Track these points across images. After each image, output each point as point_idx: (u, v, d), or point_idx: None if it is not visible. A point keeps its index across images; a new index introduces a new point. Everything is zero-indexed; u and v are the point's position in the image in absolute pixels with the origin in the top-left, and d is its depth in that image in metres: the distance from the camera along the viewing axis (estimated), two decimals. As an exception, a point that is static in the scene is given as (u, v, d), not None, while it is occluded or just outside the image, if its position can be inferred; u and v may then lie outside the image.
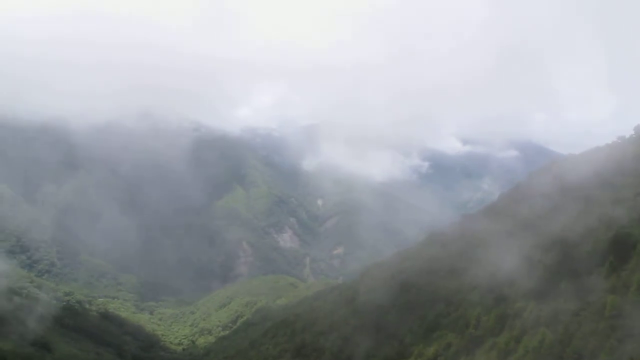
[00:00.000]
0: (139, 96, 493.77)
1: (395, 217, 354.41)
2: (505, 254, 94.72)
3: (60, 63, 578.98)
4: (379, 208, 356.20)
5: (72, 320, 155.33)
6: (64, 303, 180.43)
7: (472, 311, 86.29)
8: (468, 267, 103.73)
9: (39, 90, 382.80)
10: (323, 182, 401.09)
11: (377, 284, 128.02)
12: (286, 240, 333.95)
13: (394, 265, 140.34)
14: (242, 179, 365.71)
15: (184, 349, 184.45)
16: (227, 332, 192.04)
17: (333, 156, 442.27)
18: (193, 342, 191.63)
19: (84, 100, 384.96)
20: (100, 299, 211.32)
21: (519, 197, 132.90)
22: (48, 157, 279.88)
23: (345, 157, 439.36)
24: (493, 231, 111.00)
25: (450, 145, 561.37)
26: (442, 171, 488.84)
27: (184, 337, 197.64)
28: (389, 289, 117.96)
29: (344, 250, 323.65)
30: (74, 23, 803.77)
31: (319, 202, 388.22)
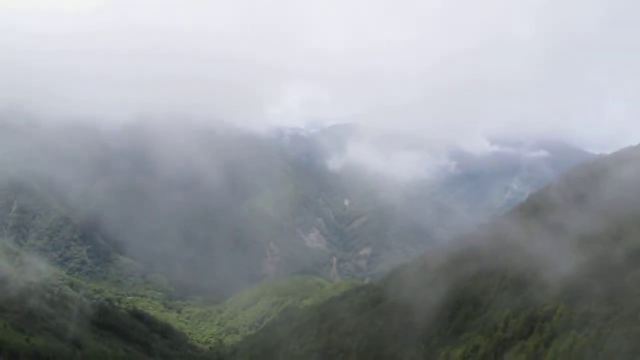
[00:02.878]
0: (168, 94, 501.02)
1: (423, 218, 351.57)
2: (535, 256, 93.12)
3: (90, 59, 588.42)
4: (406, 209, 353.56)
5: (102, 318, 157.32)
6: (94, 301, 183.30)
7: (501, 313, 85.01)
8: (496, 268, 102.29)
9: (68, 87, 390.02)
10: (350, 183, 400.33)
11: (404, 285, 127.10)
12: (313, 240, 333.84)
13: (421, 266, 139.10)
14: (270, 179, 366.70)
15: (211, 348, 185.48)
16: (254, 331, 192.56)
17: (360, 156, 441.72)
18: (220, 341, 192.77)
19: (113, 98, 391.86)
20: (129, 297, 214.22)
21: (549, 197, 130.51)
22: (78, 155, 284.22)
23: (372, 158, 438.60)
24: (522, 232, 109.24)
25: (479, 145, 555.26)
26: (470, 171, 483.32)
27: (211, 335, 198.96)
28: (416, 290, 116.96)
29: (371, 251, 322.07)
30: (106, 17, 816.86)
31: (346, 202, 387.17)
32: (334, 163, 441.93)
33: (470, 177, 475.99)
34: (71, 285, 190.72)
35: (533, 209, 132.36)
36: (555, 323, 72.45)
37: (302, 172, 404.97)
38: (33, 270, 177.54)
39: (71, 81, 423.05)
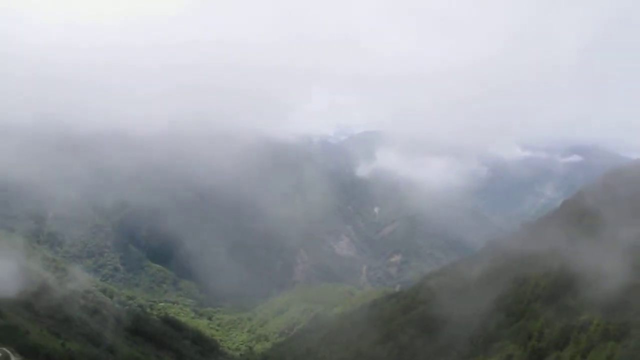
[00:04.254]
0: (198, 105, 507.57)
1: (454, 225, 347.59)
2: (569, 263, 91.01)
3: (117, 69, 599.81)
4: (437, 215, 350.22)
5: (135, 324, 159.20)
6: (127, 307, 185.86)
7: (535, 322, 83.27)
8: (530, 276, 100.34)
9: (102, 99, 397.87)
10: (380, 190, 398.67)
11: (435, 293, 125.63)
12: (343, 248, 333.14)
13: (453, 274, 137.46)
14: (299, 187, 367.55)
15: (241, 355, 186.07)
16: (284, 338, 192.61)
17: (389, 163, 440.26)
18: (250, 348, 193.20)
19: (145, 109, 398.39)
20: (160, 304, 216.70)
21: (584, 204, 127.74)
22: (111, 165, 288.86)
23: (401, 164, 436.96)
24: (556, 240, 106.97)
25: (510, 151, 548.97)
26: (501, 177, 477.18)
27: (241, 342, 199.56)
28: (447, 298, 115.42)
29: (401, 258, 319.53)
30: (134, 30, 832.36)
31: (376, 209, 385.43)
32: (363, 170, 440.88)
33: (502, 183, 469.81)
34: (104, 291, 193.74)
35: (567, 215, 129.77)
36: (592, 333, 70.48)
37: (332, 179, 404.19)
38: (68, 277, 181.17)
39: (105, 93, 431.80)
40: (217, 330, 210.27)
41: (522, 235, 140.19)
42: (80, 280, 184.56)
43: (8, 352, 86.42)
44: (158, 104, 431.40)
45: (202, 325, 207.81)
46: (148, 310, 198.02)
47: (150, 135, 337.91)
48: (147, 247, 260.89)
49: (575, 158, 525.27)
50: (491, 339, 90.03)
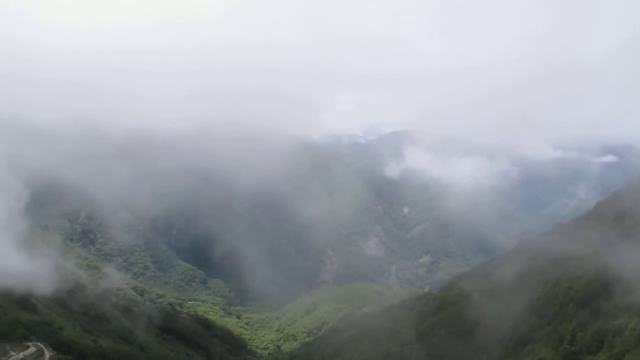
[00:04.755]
0: (223, 102, 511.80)
1: (484, 225, 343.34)
2: (604, 266, 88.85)
3: (146, 72, 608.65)
4: (466, 216, 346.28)
5: (165, 322, 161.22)
6: (157, 305, 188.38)
7: (567, 326, 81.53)
8: (562, 278, 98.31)
9: (133, 101, 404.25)
10: (409, 190, 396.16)
11: (465, 294, 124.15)
12: (371, 248, 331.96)
13: (483, 275, 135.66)
14: (328, 186, 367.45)
15: (269, 354, 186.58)
16: (312, 338, 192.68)
17: (418, 163, 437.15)
18: (278, 347, 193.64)
19: (169, 107, 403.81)
20: (190, 302, 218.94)
21: (618, 205, 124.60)
22: (142, 165, 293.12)
23: (430, 164, 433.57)
24: (590, 241, 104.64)
25: (541, 150, 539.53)
26: (532, 178, 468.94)
27: (269, 342, 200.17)
28: (477, 299, 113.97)
29: (431, 258, 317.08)
30: (159, 33, 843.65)
31: (405, 209, 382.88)
32: (392, 170, 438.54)
33: (533, 183, 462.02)
34: (135, 289, 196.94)
35: (602, 216, 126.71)
36: (627, 338, 68.70)
37: (361, 179, 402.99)
38: (100, 275, 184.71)
39: (136, 96, 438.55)
40: (245, 329, 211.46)
41: (554, 237, 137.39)
42: (112, 278, 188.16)
43: (42, 347, 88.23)
44: (189, 106, 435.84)
45: (231, 323, 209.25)
46: (178, 308, 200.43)
47: (182, 136, 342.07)
48: (178, 246, 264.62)
49: (610, 158, 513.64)
50: (522, 342, 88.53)
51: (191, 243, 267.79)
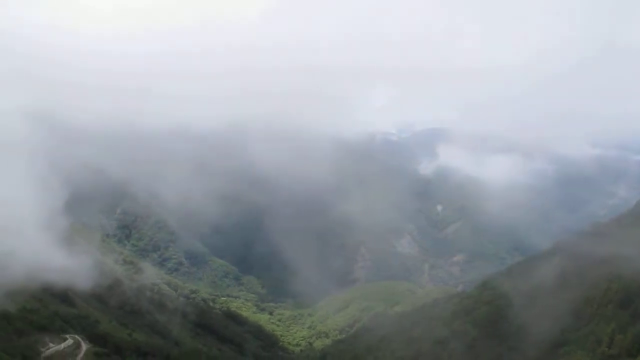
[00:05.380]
0: (259, 102, 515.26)
1: (519, 225, 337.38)
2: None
3: (184, 74, 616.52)
4: (501, 215, 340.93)
5: (198, 317, 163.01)
6: (190, 300, 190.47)
7: (605, 327, 79.38)
8: (600, 279, 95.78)
9: (169, 101, 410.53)
10: (442, 188, 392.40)
11: (499, 294, 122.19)
12: (404, 246, 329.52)
13: (518, 274, 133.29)
14: (361, 184, 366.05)
15: (301, 351, 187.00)
16: (344, 336, 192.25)
17: (452, 160, 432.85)
18: (310, 344, 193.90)
19: (207, 107, 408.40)
20: (223, 298, 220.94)
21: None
22: (177, 161, 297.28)
23: (464, 162, 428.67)
24: (629, 241, 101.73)
25: (579, 148, 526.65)
26: (569, 176, 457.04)
27: (301, 338, 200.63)
28: (512, 299, 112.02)
29: (465, 257, 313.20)
30: (198, 34, 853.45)
31: (439, 208, 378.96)
32: (426, 167, 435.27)
33: (570, 182, 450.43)
34: (169, 284, 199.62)
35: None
36: (669, 340, 66.58)
37: (393, 176, 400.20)
38: (136, 271, 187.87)
39: (172, 97, 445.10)
40: (277, 325, 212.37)
41: (592, 237, 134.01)
42: (147, 273, 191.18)
43: (79, 339, 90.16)
44: (227, 106, 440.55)
45: (263, 320, 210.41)
46: (211, 304, 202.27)
47: (219, 135, 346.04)
48: (211, 242, 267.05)
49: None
50: (558, 344, 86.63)
51: (225, 239, 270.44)
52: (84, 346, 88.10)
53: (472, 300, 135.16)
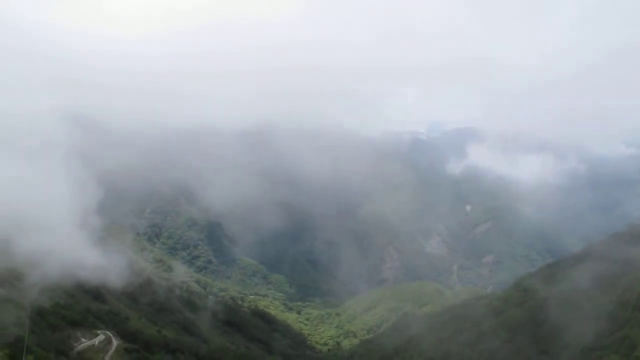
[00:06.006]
0: (287, 101, 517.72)
1: (550, 225, 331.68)
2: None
3: (216, 73, 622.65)
4: (532, 215, 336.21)
5: (226, 315, 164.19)
6: (219, 298, 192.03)
7: (640, 332, 77.45)
8: (635, 282, 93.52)
9: (196, 100, 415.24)
10: (472, 188, 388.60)
11: (529, 296, 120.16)
12: (433, 246, 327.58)
13: (549, 276, 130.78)
14: (389, 184, 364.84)
15: (329, 350, 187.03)
16: (372, 336, 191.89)
17: (482, 160, 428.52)
18: (338, 343, 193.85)
19: (235, 107, 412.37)
20: (251, 297, 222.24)
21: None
22: (204, 160, 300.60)
23: (494, 161, 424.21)
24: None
25: (612, 147, 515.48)
26: (602, 176, 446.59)
27: (329, 338, 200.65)
28: (542, 302, 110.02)
29: (494, 258, 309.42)
30: (221, 34, 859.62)
31: (468, 208, 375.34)
32: (454, 167, 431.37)
33: (603, 182, 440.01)
34: (198, 282, 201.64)
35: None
36: None
37: (422, 176, 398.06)
38: (165, 268, 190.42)
39: (202, 98, 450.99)
40: (305, 324, 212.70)
41: (626, 238, 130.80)
42: (176, 271, 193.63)
43: (110, 335, 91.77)
44: (254, 105, 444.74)
45: (291, 319, 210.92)
46: (239, 302, 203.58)
47: (246, 134, 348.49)
48: (239, 240, 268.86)
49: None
50: (590, 348, 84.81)
51: (253, 238, 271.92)
52: (115, 342, 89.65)
53: (502, 302, 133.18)
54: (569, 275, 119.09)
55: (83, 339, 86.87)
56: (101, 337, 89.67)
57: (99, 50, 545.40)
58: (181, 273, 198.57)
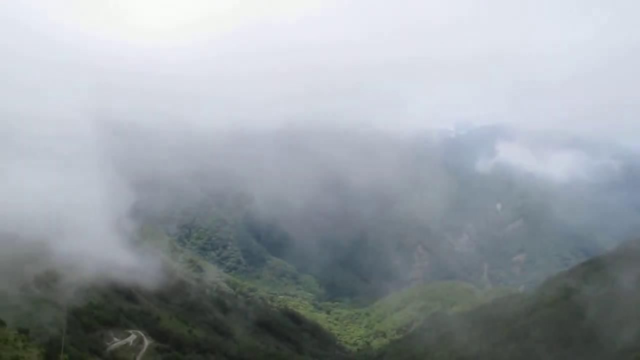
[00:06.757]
0: (314, 101, 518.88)
1: (582, 223, 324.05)
2: None
3: (243, 75, 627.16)
4: (564, 213, 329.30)
5: (256, 315, 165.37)
6: (248, 298, 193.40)
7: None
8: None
9: (223, 102, 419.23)
10: (502, 186, 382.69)
11: (562, 296, 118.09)
12: (463, 245, 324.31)
13: (583, 275, 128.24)
14: (417, 182, 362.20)
15: (358, 350, 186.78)
16: (402, 335, 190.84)
17: (512, 157, 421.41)
18: (368, 343, 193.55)
19: (262, 108, 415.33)
20: (280, 297, 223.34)
21: None
22: (233, 160, 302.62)
23: (524, 158, 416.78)
24: None
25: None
26: (637, 172, 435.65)
27: (359, 337, 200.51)
28: (576, 301, 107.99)
29: (526, 257, 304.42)
30: (246, 37, 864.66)
31: (498, 206, 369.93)
32: (483, 165, 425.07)
33: (638, 178, 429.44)
34: (228, 283, 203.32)
35: None
36: None
37: (451, 174, 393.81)
38: (195, 268, 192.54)
39: (229, 100, 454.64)
40: (335, 324, 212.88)
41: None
42: (206, 271, 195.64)
43: (142, 335, 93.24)
44: (282, 106, 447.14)
45: (320, 318, 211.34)
46: (269, 302, 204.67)
47: (273, 134, 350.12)
48: (268, 241, 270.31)
49: None
50: (627, 349, 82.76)
51: (282, 238, 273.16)
52: (146, 341, 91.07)
53: (533, 302, 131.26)
54: (606, 274, 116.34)
55: (115, 339, 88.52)
56: (133, 336, 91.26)
57: (130, 57, 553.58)
58: (211, 273, 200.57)
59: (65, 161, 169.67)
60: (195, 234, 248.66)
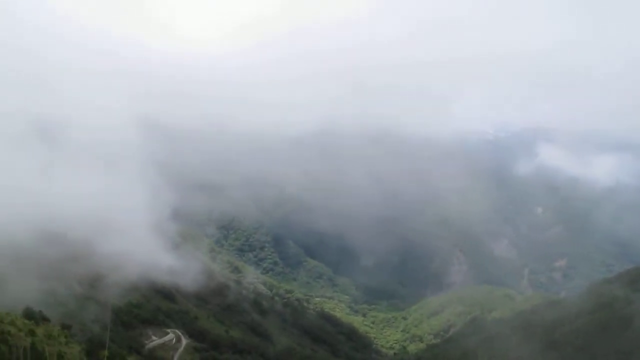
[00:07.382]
0: (351, 102, 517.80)
1: (627, 228, 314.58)
2: None
3: (277, 80, 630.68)
4: (607, 217, 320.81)
5: (292, 317, 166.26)
6: (285, 300, 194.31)
7: None
8: None
9: (266, 107, 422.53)
10: (542, 189, 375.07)
11: (606, 302, 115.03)
12: (502, 249, 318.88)
13: (628, 282, 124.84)
14: (456, 185, 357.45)
15: (395, 354, 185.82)
16: (439, 340, 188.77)
17: (553, 160, 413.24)
18: (404, 347, 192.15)
19: (298, 111, 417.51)
20: (317, 299, 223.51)
21: None
22: (266, 160, 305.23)
23: (566, 161, 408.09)
24: None
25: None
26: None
27: (395, 341, 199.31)
28: (621, 308, 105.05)
29: (567, 263, 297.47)
30: (284, 42, 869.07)
31: (539, 210, 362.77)
32: (524, 168, 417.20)
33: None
34: (265, 284, 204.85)
35: None
36: None
37: (490, 177, 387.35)
38: (232, 269, 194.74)
39: (265, 103, 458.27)
40: (371, 327, 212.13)
41: None
42: (244, 273, 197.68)
43: (180, 334, 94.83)
44: (318, 106, 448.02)
45: (356, 321, 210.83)
46: (305, 304, 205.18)
47: (309, 136, 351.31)
48: (305, 242, 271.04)
49: None
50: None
51: (319, 240, 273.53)
52: (184, 340, 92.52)
53: (575, 308, 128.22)
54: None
55: (154, 337, 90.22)
56: (171, 335, 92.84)
57: (173, 63, 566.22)
58: (249, 274, 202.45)
59: (111, 166, 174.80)
60: (233, 236, 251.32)
